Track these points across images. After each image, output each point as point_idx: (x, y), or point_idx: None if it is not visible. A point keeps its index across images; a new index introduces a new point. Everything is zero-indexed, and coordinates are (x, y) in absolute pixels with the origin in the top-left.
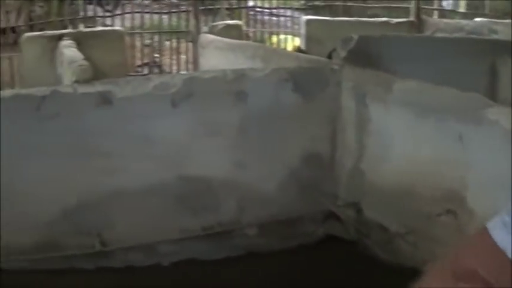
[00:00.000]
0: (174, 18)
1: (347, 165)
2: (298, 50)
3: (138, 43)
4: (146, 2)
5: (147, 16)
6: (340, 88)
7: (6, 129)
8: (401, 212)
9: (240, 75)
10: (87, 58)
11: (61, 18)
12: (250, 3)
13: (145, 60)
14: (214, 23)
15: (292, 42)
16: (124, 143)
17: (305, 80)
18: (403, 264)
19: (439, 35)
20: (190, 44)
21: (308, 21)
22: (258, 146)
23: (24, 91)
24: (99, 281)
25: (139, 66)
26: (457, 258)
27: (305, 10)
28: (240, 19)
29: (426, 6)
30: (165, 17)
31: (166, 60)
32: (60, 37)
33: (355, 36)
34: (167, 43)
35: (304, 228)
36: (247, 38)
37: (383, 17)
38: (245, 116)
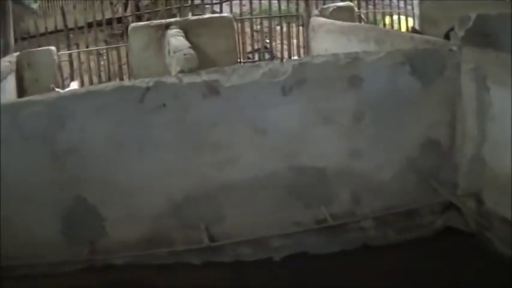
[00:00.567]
0: (284, 2)
1: (467, 153)
2: (413, 30)
3: (248, 29)
4: None
5: (256, 1)
6: (459, 71)
7: (110, 123)
8: None
9: (353, 59)
10: (195, 46)
11: (168, 7)
12: None
13: (256, 46)
14: (325, 6)
15: (406, 23)
16: (232, 134)
17: (422, 62)
18: None
19: None
20: (301, 28)
21: (422, 1)
22: (373, 133)
23: (127, 83)
24: (207, 277)
25: (249, 52)
26: None
27: None
28: (351, 0)
29: None
30: (274, 1)
31: (277, 45)
32: (167, 26)
33: (473, 15)
34: (278, 28)
35: (422, 219)
36: (359, 19)
37: None
38: (360, 102)
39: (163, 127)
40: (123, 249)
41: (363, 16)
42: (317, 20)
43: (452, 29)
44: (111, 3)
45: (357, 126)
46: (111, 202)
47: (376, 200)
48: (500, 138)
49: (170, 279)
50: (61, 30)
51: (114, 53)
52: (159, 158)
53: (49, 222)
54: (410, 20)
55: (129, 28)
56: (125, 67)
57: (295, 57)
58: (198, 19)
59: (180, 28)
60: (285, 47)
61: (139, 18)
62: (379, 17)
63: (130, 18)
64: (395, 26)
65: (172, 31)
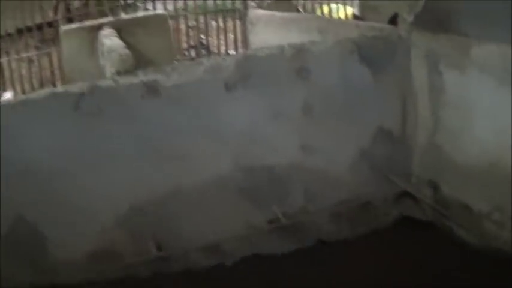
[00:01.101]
0: None
1: (421, 141)
2: (355, 17)
3: (182, 26)
4: None
5: None
6: (409, 57)
7: (44, 134)
8: (485, 189)
9: (299, 50)
10: (130, 46)
11: (100, 7)
12: None
13: (192, 43)
14: None
15: (345, 11)
16: (176, 136)
17: (371, 50)
18: (487, 246)
19: None
20: (237, 22)
21: None
22: (324, 126)
23: (59, 89)
24: None
25: (186, 49)
26: None
27: None
28: None
29: None
30: None
31: (213, 41)
32: (99, 27)
33: None
34: (213, 23)
35: (377, 211)
36: (297, 10)
37: None
38: (309, 94)
39: (103, 134)
40: (68, 268)
41: (299, 8)
42: (255, 12)
43: (396, 15)
44: (41, 8)
45: (307, 120)
46: (52, 219)
47: (329, 194)
48: (455, 124)
49: None
50: None
51: (46, 58)
52: (101, 167)
53: None
54: (348, 8)
55: (61, 32)
56: (57, 72)
57: (232, 52)
58: (132, 18)
59: (114, 28)
60: (222, 42)
61: (70, 21)
62: (317, 6)
63: (61, 22)
64: (334, 14)
65: (105, 31)
